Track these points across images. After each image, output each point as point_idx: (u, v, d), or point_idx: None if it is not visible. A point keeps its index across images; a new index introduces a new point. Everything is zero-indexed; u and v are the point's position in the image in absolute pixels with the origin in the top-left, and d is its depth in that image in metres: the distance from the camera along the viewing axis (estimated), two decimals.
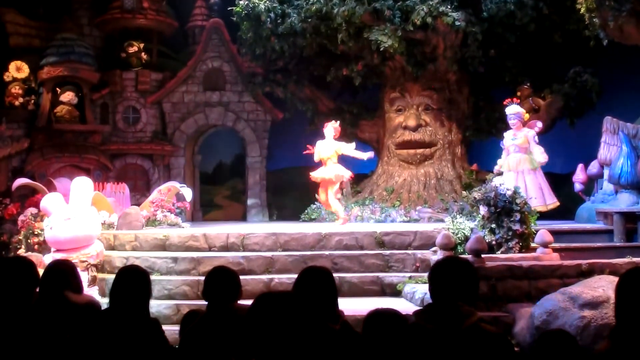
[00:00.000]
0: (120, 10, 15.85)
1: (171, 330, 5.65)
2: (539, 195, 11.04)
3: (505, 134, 11.55)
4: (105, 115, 15.86)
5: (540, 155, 11.25)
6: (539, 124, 11.54)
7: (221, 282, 4.36)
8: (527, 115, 11.37)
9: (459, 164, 14.63)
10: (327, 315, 3.73)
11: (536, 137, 11.32)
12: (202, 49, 16.19)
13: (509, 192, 9.49)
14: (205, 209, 16.75)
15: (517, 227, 9.32)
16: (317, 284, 3.83)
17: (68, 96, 14.76)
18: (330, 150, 12.16)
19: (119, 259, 9.68)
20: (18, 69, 14.89)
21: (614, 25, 10.40)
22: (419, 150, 14.42)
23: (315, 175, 12.25)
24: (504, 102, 11.59)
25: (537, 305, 7.26)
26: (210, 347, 4.05)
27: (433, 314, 3.34)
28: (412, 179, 14.49)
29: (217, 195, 17.16)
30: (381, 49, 13.09)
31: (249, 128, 16.19)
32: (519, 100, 11.53)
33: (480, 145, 15.25)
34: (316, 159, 12.35)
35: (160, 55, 16.67)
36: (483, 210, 9.63)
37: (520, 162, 11.07)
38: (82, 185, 9.93)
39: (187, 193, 12.52)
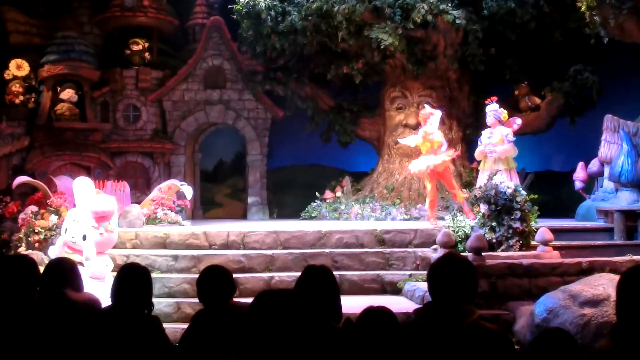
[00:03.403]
0: (120, 8, 15.82)
1: (172, 328, 5.66)
2: None
3: (483, 132, 11.42)
4: (106, 114, 15.83)
5: (506, 150, 10.86)
6: (518, 121, 11.36)
7: (214, 281, 4.37)
8: (505, 116, 11.19)
9: (459, 162, 14.63)
10: (329, 314, 3.74)
11: (510, 136, 10.93)
12: (203, 47, 16.17)
13: (510, 190, 9.49)
14: (205, 207, 16.73)
15: (517, 225, 9.32)
16: (319, 282, 3.83)
17: (68, 94, 14.74)
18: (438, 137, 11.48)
19: (119, 257, 9.66)
20: (18, 67, 14.89)
21: (615, 23, 10.41)
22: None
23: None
24: (485, 102, 11.49)
25: (538, 303, 7.26)
26: (210, 345, 4.06)
27: (433, 312, 3.35)
28: (412, 176, 14.47)
29: (218, 194, 17.16)
30: (381, 47, 13.10)
31: (249, 126, 16.18)
32: (497, 98, 11.40)
33: None
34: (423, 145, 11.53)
35: (161, 53, 16.65)
36: (483, 208, 9.64)
37: (495, 161, 10.97)
38: (84, 185, 9.87)
39: (188, 191, 12.51)
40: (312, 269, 3.94)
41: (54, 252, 9.31)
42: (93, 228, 9.14)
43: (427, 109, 11.79)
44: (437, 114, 11.61)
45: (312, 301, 3.65)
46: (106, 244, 9.39)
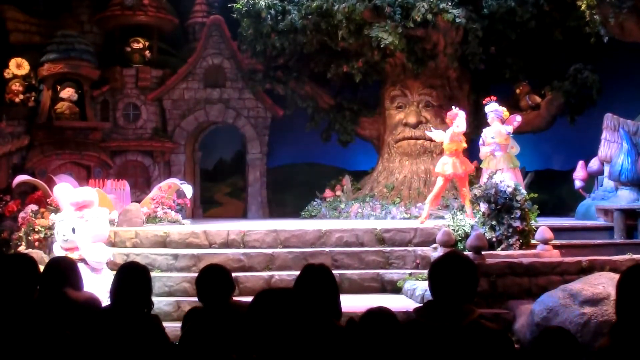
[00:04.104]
0: (120, 7, 15.82)
1: (172, 326, 5.65)
2: None
3: (484, 132, 11.32)
4: (106, 112, 15.84)
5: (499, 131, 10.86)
6: (518, 118, 11.34)
7: (213, 280, 4.37)
8: (506, 114, 11.19)
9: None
10: (329, 312, 3.74)
11: (508, 127, 10.93)
12: (203, 45, 16.17)
13: (510, 189, 9.48)
14: (205, 205, 16.75)
15: (517, 224, 9.32)
16: (318, 281, 3.83)
17: (68, 93, 14.74)
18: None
19: (119, 255, 9.67)
20: (18, 66, 14.89)
21: (615, 22, 10.42)
22: (419, 141, 14.41)
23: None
24: (483, 102, 11.47)
25: (538, 302, 7.26)
26: (210, 344, 4.05)
27: (433, 311, 3.35)
28: (413, 175, 14.49)
29: (218, 192, 17.17)
30: (381, 46, 13.10)
31: (249, 125, 16.18)
32: (496, 98, 11.39)
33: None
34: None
35: (161, 52, 16.65)
36: (483, 207, 9.63)
37: (500, 161, 10.96)
38: (63, 189, 9.95)
39: (188, 190, 12.51)
40: (311, 268, 3.94)
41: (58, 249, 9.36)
42: (79, 218, 9.19)
43: (454, 109, 11.67)
44: (462, 115, 11.47)
45: (312, 300, 3.65)
46: (98, 235, 9.40)
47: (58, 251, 9.38)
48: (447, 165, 11.31)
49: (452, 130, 11.38)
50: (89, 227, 9.26)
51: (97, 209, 9.70)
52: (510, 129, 10.98)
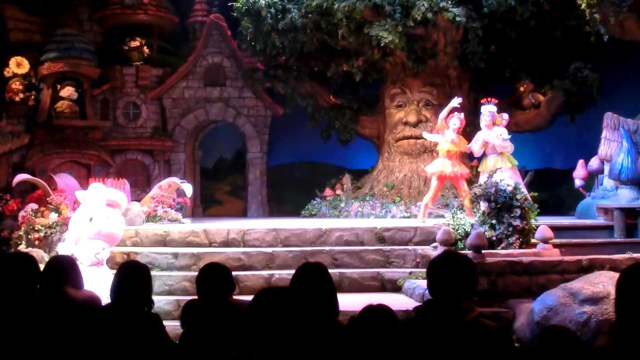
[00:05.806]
0: (120, 6, 15.84)
1: (172, 325, 5.65)
2: None
3: (478, 134, 11.26)
4: (106, 111, 15.85)
5: (504, 146, 10.90)
6: (505, 116, 11.34)
7: (213, 279, 4.37)
8: (499, 120, 11.18)
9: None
10: (326, 310, 3.74)
11: (505, 134, 10.92)
12: (203, 44, 16.18)
13: (510, 188, 9.49)
14: (205, 204, 16.76)
15: (517, 222, 9.32)
16: (314, 279, 3.84)
17: (68, 91, 14.75)
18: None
19: (119, 254, 9.67)
20: (18, 65, 14.89)
21: (615, 21, 10.41)
22: (420, 140, 14.40)
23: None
24: (481, 101, 11.47)
25: (538, 301, 7.26)
26: (210, 343, 4.06)
27: (433, 309, 3.35)
28: (413, 174, 14.49)
29: (218, 191, 17.18)
30: (382, 45, 13.09)
31: (249, 123, 16.19)
32: (497, 101, 11.38)
33: None
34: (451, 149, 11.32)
35: (161, 51, 16.65)
36: (483, 206, 9.63)
37: (497, 162, 10.94)
38: (98, 188, 10.08)
39: (188, 189, 12.51)
40: (306, 267, 3.94)
41: (64, 248, 9.37)
42: (102, 210, 9.30)
43: (456, 114, 11.52)
44: (454, 119, 11.42)
45: (309, 298, 3.65)
46: (111, 235, 9.42)
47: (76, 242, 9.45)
48: (436, 165, 11.32)
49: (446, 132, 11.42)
50: (106, 223, 9.29)
51: (122, 217, 9.89)
52: (506, 134, 10.98)
